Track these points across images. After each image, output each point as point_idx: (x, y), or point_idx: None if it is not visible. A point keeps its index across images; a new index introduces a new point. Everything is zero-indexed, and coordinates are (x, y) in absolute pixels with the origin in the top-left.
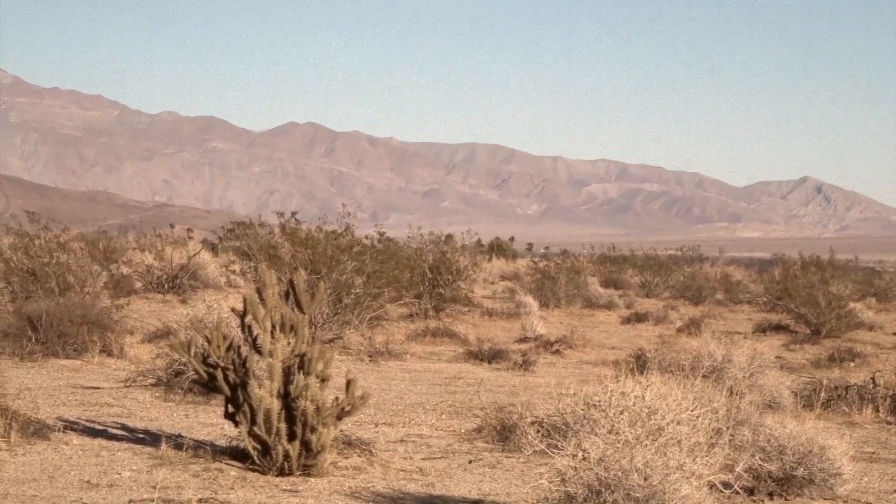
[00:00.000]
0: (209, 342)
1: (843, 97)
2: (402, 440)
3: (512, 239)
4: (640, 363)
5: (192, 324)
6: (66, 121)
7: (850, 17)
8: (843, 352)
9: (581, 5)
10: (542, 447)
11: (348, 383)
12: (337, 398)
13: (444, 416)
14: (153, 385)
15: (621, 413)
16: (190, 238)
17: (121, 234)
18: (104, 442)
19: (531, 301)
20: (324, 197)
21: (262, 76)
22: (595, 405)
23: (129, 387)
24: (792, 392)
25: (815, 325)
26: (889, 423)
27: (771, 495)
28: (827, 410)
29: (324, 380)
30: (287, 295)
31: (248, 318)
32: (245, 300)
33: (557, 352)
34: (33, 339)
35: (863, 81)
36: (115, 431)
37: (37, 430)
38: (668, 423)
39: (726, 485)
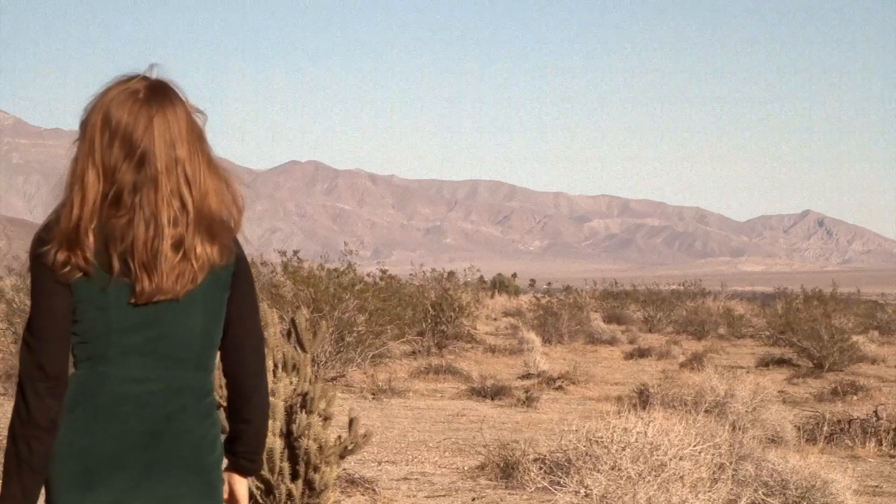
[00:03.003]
0: None
1: (844, 131)
2: (405, 478)
3: (514, 275)
4: (642, 399)
5: None
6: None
7: (851, 50)
8: (845, 385)
9: (580, 43)
10: (545, 484)
11: (351, 421)
12: (340, 437)
13: (447, 453)
14: None
15: (624, 449)
16: None
17: None
18: None
19: (534, 337)
20: (326, 235)
21: (262, 115)
22: (597, 441)
23: None
24: (795, 426)
25: (818, 358)
26: (892, 456)
27: None
28: (830, 444)
29: (326, 418)
30: (289, 334)
31: None
32: None
33: (560, 388)
34: None
35: (864, 115)
36: None
37: None
38: (671, 459)
39: None
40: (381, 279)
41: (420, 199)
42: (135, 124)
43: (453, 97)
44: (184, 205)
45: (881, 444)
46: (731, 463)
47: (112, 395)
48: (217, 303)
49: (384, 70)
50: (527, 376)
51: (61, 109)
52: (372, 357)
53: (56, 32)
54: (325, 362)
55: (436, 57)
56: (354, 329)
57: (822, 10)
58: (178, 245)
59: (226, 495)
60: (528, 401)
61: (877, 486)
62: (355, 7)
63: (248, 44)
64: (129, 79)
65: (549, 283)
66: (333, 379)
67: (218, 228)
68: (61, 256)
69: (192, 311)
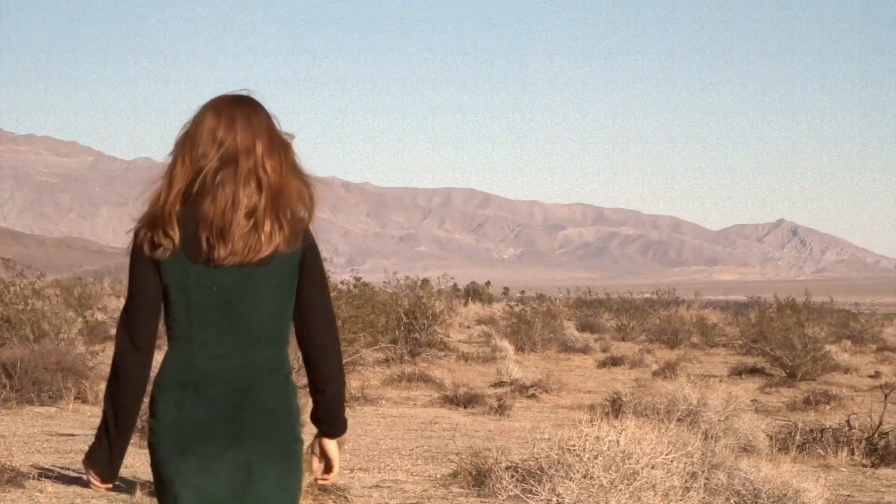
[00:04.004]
0: None
1: (818, 140)
2: (377, 486)
3: (488, 283)
4: (615, 407)
5: None
6: (41, 167)
7: (824, 62)
8: (818, 394)
9: (554, 52)
10: (517, 492)
11: None
12: (312, 444)
13: (419, 461)
14: None
15: (596, 457)
16: None
17: (96, 281)
18: (79, 489)
19: (507, 345)
20: None
21: None
22: (570, 449)
23: None
24: (767, 435)
25: (791, 367)
26: (864, 465)
27: None
28: (802, 453)
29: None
30: None
31: None
32: None
33: (533, 396)
34: (7, 387)
35: (838, 125)
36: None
37: (11, 479)
38: (643, 468)
39: None
40: (355, 287)
41: (394, 206)
42: (219, 123)
43: (428, 105)
44: (259, 184)
45: (853, 454)
46: (703, 472)
47: (199, 372)
48: (284, 287)
49: (358, 77)
50: (500, 384)
51: (35, 115)
52: (345, 364)
53: (29, 38)
54: (298, 370)
55: (410, 65)
56: None
57: (797, 21)
58: (250, 214)
59: (320, 457)
60: (501, 409)
61: (849, 496)
62: (329, 15)
63: (221, 52)
64: (222, 94)
65: (523, 292)
66: (306, 386)
67: (289, 218)
68: (146, 234)
69: (263, 295)
